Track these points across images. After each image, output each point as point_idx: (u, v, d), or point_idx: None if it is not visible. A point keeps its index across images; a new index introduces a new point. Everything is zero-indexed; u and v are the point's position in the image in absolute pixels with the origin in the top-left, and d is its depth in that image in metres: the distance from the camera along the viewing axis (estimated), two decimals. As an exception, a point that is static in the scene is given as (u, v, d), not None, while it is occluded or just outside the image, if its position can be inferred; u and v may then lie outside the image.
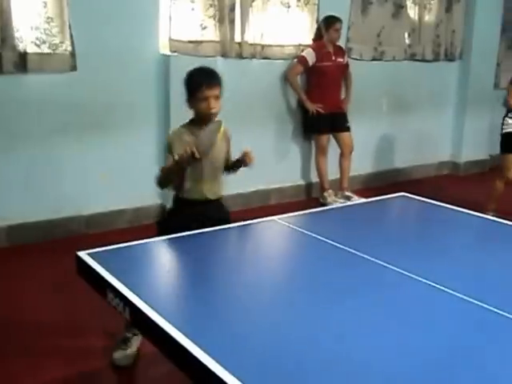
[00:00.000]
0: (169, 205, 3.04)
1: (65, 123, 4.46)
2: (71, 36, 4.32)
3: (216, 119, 2.76)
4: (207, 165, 2.78)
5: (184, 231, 2.56)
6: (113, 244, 2.36)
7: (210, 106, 2.72)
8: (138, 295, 1.90)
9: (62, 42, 4.31)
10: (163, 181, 2.83)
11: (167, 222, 2.93)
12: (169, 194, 4.86)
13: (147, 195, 4.93)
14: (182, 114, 4.80)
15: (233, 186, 5.38)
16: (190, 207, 2.84)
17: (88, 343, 3.12)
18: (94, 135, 4.59)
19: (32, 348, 3.06)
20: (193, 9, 4.90)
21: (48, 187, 4.47)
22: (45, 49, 4.27)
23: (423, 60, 6.75)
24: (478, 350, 1.67)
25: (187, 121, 2.85)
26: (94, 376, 2.92)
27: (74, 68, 4.39)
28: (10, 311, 3.43)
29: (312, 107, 5.53)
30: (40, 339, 3.14)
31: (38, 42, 4.24)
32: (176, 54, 4.85)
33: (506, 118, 5.22)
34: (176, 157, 2.65)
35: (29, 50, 4.19)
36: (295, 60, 5.54)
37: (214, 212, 2.85)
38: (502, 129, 5.28)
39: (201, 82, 2.72)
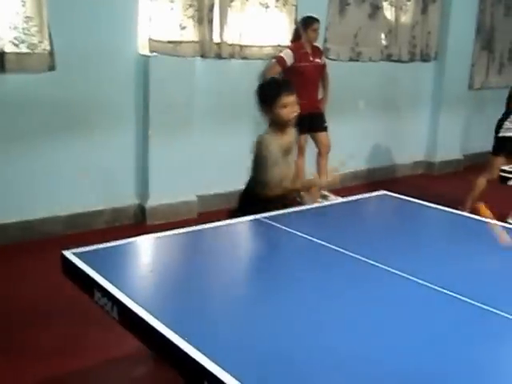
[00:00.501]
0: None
1: (43, 123, 4.43)
2: (50, 35, 4.28)
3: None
4: None
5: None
6: (93, 245, 2.35)
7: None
8: (125, 294, 1.91)
9: (40, 42, 4.28)
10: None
11: None
12: (148, 193, 4.91)
13: (126, 195, 4.93)
14: (161, 113, 4.87)
15: (210, 185, 5.43)
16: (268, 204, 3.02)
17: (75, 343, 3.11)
18: (73, 135, 4.56)
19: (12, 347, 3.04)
20: (172, 9, 4.89)
21: (25, 187, 4.43)
22: (23, 48, 4.23)
23: (399, 61, 6.82)
24: (456, 340, 1.72)
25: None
26: (76, 375, 2.91)
27: (52, 68, 4.36)
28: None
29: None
30: (24, 339, 3.13)
31: (16, 42, 4.19)
32: (155, 54, 4.84)
33: (506, 122, 5.28)
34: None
35: (7, 50, 4.15)
36: (273, 60, 5.56)
37: None
38: (499, 131, 5.33)
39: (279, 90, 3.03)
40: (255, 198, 3.08)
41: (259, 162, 3.05)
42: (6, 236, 4.33)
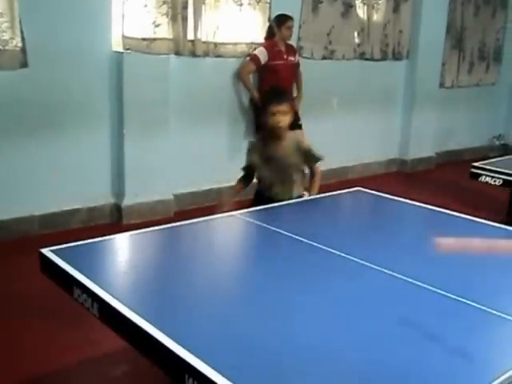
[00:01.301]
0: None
1: (16, 121, 4.36)
2: (22, 32, 4.22)
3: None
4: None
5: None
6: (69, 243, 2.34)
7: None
8: (105, 290, 1.89)
9: (12, 38, 4.21)
10: None
11: None
12: (124, 192, 4.87)
13: (101, 195, 4.88)
14: (135, 110, 4.84)
15: (185, 184, 5.41)
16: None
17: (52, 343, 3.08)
18: (46, 133, 4.51)
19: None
20: (145, 5, 4.86)
21: (-2, 186, 4.37)
22: (-6, 45, 4.17)
23: (372, 59, 6.87)
24: (436, 333, 1.74)
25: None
26: (58, 375, 2.88)
27: (24, 65, 4.29)
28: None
29: (254, 97, 5.53)
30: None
31: (-14, 38, 4.14)
32: (129, 51, 4.80)
33: None
34: None
35: (-23, 46, 4.09)
36: (247, 58, 5.56)
37: None
38: None
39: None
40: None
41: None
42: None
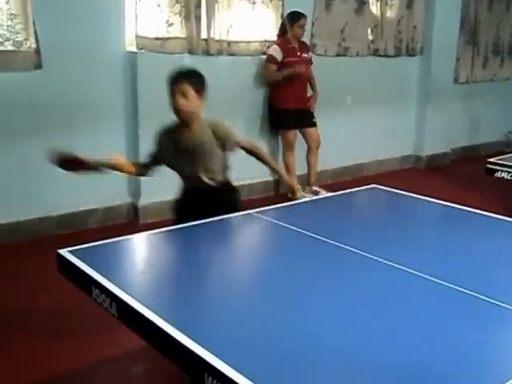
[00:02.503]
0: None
1: (31, 122, 4.39)
2: (36, 33, 4.24)
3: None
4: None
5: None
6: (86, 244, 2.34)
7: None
8: (124, 290, 1.89)
9: (26, 40, 4.24)
10: None
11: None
12: (140, 191, 4.88)
13: (118, 194, 4.90)
14: (150, 110, 4.84)
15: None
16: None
17: (73, 343, 3.09)
18: (62, 134, 4.51)
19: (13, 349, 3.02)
20: (159, 5, 4.87)
21: (15, 188, 4.39)
22: (8, 46, 4.19)
23: (385, 55, 6.85)
24: (453, 331, 1.73)
25: None
26: (80, 375, 2.89)
27: (39, 66, 4.32)
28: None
29: (297, 67, 5.51)
30: (25, 340, 3.11)
31: (0, 40, 4.15)
32: (143, 50, 4.81)
33: None
34: None
35: (-9, 48, 4.12)
36: (266, 62, 5.54)
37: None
38: None
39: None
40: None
41: None
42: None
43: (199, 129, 2.90)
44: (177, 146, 2.95)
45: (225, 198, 2.99)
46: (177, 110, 2.84)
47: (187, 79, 2.85)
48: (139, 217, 4.93)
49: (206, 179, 2.96)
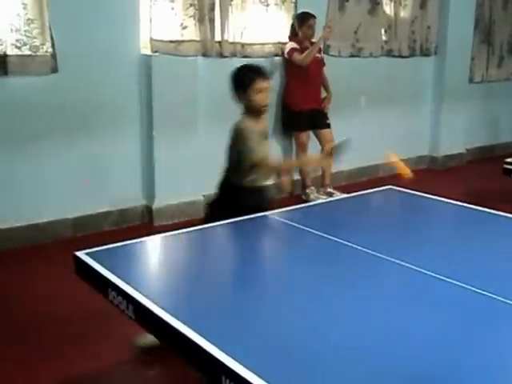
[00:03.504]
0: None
1: (47, 126, 4.42)
2: (52, 37, 4.28)
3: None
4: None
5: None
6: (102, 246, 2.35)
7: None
8: (140, 292, 1.91)
9: (42, 44, 4.27)
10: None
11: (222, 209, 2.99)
12: (154, 194, 4.90)
13: (132, 196, 4.93)
14: (165, 113, 4.86)
15: (215, 185, 5.39)
16: (249, 194, 2.98)
17: (86, 346, 3.11)
18: (77, 137, 4.56)
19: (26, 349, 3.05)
20: (173, 8, 4.89)
21: (32, 191, 4.42)
22: (25, 51, 4.23)
23: (400, 56, 6.81)
24: (475, 333, 1.72)
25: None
26: (93, 379, 2.91)
27: (55, 70, 4.35)
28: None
29: (326, 33, 5.50)
30: (38, 343, 3.13)
31: (18, 44, 4.19)
32: (157, 54, 4.84)
33: None
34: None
35: (9, 53, 4.14)
36: (290, 56, 5.48)
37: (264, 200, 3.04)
38: None
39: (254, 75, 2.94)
40: (234, 187, 3.04)
41: (241, 148, 2.95)
42: (14, 239, 4.32)
43: (265, 119, 3.13)
44: (260, 136, 3.04)
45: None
46: (265, 106, 2.99)
47: (268, 76, 3.02)
48: (153, 219, 4.94)
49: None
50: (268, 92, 2.98)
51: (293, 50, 5.49)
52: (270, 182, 3.17)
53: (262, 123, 3.07)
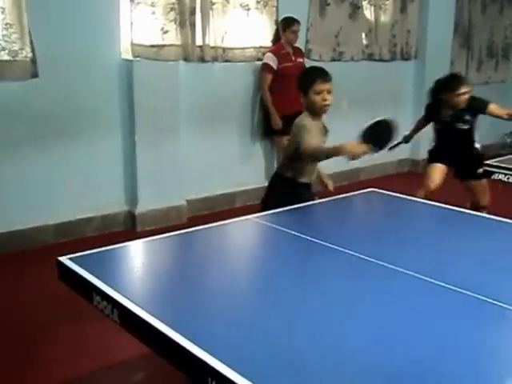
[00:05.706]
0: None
1: (27, 131, 4.39)
2: (31, 42, 4.24)
3: None
4: None
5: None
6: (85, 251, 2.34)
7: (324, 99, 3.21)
8: (125, 296, 1.89)
9: (21, 49, 4.24)
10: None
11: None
12: (137, 199, 4.88)
13: (115, 202, 4.89)
14: (147, 118, 4.85)
15: (198, 190, 5.41)
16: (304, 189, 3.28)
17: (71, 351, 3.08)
18: (59, 143, 4.53)
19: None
20: (153, 13, 4.87)
21: (13, 197, 4.38)
22: (4, 56, 4.19)
23: (380, 60, 6.87)
24: (462, 333, 1.73)
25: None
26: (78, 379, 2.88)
27: (35, 75, 4.32)
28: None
29: (276, 124, 5.58)
30: (23, 347, 3.10)
31: (-4, 49, 4.16)
32: (138, 58, 4.82)
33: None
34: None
35: (-13, 58, 4.11)
36: (262, 71, 5.54)
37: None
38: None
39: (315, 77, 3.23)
40: (287, 181, 3.26)
41: (299, 139, 3.16)
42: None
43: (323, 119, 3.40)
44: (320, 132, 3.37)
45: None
46: (324, 106, 3.27)
47: (328, 79, 3.29)
48: (136, 225, 4.92)
49: None
50: (329, 93, 3.24)
51: (267, 66, 5.51)
52: (315, 177, 3.43)
53: (321, 122, 3.38)
